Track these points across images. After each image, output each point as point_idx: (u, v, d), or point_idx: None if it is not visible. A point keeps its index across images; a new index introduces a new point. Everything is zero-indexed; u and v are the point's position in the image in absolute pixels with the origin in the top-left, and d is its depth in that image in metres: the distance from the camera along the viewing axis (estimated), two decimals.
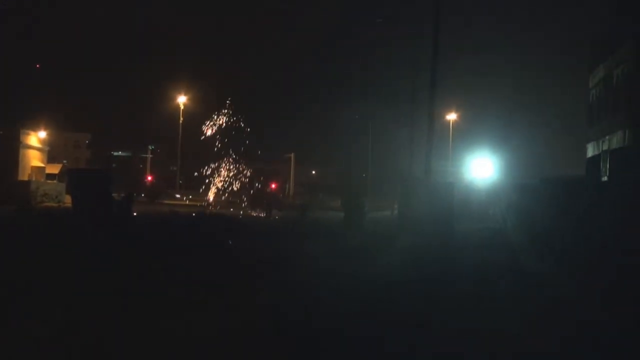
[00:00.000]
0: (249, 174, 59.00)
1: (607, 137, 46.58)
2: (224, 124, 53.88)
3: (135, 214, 35.11)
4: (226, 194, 60.48)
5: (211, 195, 68.23)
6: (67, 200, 47.93)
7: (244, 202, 62.20)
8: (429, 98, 35.42)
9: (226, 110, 53.41)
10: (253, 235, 28.83)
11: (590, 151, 51.88)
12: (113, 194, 31.91)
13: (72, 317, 11.63)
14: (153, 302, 13.15)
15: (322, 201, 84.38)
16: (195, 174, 57.24)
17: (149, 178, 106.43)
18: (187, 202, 74.05)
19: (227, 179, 56.98)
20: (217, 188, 63.52)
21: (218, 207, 59.54)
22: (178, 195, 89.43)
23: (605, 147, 46.32)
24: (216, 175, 55.99)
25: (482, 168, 71.03)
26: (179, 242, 23.84)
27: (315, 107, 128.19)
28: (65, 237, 23.32)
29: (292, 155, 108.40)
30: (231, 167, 55.66)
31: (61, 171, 78.04)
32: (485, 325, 12.01)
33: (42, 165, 79.71)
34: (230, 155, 54.49)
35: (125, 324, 11.24)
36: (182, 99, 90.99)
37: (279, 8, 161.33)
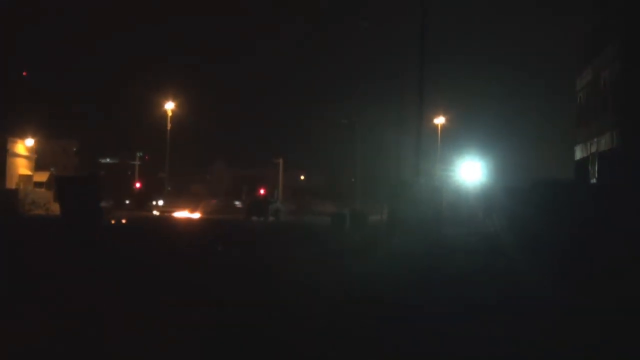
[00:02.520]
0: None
1: (595, 139, 46.79)
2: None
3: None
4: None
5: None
6: (56, 208, 47.85)
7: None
8: (417, 100, 35.56)
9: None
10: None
11: (579, 154, 52.09)
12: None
13: None
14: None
15: (311, 206, 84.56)
16: None
17: (138, 185, 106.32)
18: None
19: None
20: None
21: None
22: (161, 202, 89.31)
23: (593, 149, 46.53)
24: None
25: (471, 171, 71.22)
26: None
27: (301, 111, 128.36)
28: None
29: (281, 160, 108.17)
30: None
31: (49, 179, 77.83)
32: (464, 329, 12.05)
33: (30, 173, 79.52)
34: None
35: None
36: (169, 106, 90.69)
37: (265, 11, 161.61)
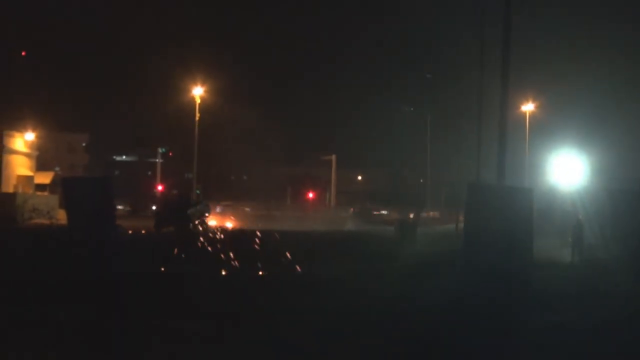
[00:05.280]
0: None
1: None
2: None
3: None
4: None
5: None
6: (62, 216, 48.26)
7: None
8: (501, 80, 35.12)
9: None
10: None
11: None
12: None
13: None
14: None
15: (369, 211, 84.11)
16: None
17: (160, 187, 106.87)
18: None
19: None
20: None
21: None
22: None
23: None
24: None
25: (567, 170, 70.38)
26: None
27: (362, 101, 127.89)
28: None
29: (334, 157, 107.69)
30: None
31: (53, 181, 78.49)
32: None
33: (31, 173, 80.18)
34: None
35: None
36: (198, 91, 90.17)
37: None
